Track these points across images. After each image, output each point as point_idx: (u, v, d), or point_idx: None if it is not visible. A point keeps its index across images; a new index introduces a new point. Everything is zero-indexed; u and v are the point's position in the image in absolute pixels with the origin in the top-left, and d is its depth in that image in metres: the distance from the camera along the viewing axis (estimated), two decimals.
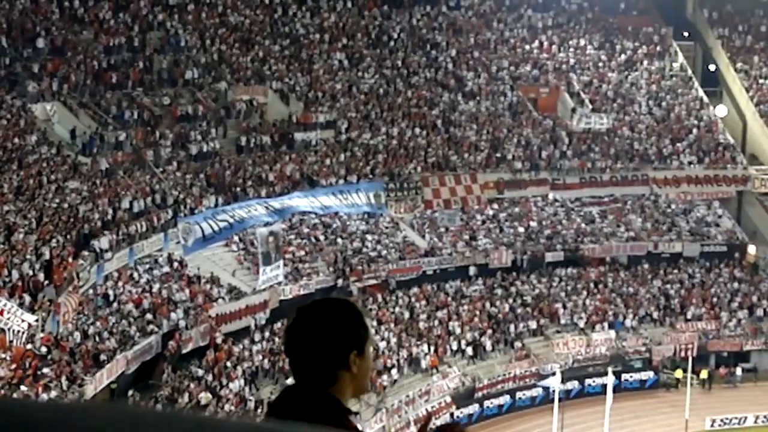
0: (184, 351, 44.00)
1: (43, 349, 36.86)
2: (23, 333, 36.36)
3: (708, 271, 62.79)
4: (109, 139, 51.31)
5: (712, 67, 73.54)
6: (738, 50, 73.27)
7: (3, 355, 35.26)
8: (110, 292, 44.22)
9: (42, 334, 37.18)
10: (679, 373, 55.65)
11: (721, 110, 69.95)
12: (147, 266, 47.64)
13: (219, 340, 45.54)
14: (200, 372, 43.25)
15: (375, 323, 51.92)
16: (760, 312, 60.80)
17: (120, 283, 45.15)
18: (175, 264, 48.77)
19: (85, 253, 42.69)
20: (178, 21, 60.72)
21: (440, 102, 64.33)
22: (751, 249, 64.35)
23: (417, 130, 61.75)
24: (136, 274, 46.52)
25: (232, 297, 49.03)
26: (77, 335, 39.87)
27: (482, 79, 66.66)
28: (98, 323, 41.63)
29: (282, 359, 46.81)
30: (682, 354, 56.97)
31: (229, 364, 44.60)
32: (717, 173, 65.75)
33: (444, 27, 69.08)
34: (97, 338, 40.70)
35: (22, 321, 36.30)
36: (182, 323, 44.79)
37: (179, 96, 56.50)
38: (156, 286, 46.37)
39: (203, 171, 52.99)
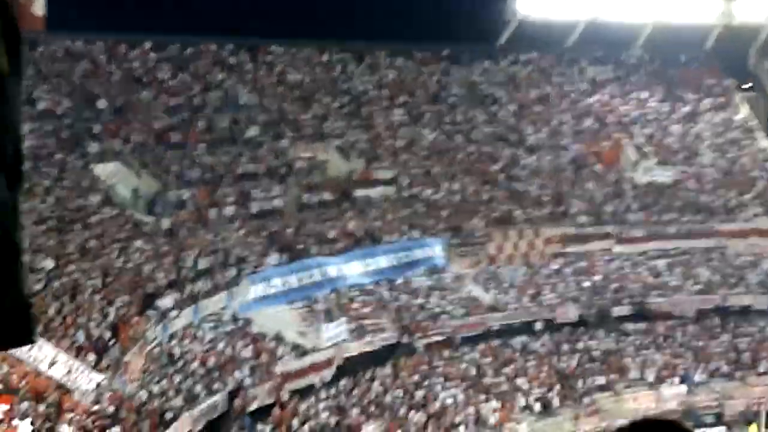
0: (249, 409, 43.64)
1: (110, 409, 36.53)
2: (90, 392, 36.16)
3: None
4: (171, 198, 51.14)
5: None
6: None
7: (71, 415, 34.93)
8: (175, 351, 43.97)
9: (109, 393, 36.91)
10: (752, 428, 54.51)
11: None
12: (211, 324, 47.39)
13: (284, 398, 45.15)
14: (266, 430, 42.80)
15: (441, 380, 51.33)
16: None
17: (185, 342, 44.89)
18: (240, 322, 48.49)
19: (150, 312, 42.44)
20: (237, 80, 60.76)
21: (501, 157, 63.79)
22: None
23: (479, 185, 61.14)
24: (200, 333, 46.26)
25: (297, 354, 48.59)
26: (143, 394, 39.57)
27: (543, 134, 66.13)
28: (164, 382, 41.38)
29: (347, 416, 46.28)
30: (755, 408, 55.90)
31: (295, 422, 44.11)
32: None
33: (504, 82, 68.74)
34: (163, 397, 40.40)
35: (90, 380, 36.13)
36: (247, 381, 44.44)
37: (240, 154, 56.32)
38: (221, 345, 46.07)
39: (265, 229, 52.56)
